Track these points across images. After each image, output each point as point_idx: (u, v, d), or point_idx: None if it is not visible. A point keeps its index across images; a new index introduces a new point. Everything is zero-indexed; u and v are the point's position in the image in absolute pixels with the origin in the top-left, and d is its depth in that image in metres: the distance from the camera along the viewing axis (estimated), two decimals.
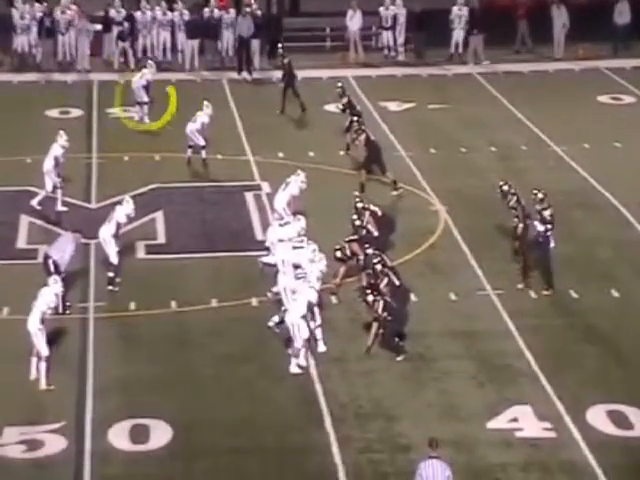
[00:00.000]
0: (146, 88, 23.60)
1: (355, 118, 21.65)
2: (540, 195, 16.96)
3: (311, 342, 15.13)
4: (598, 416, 13.93)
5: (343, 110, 22.70)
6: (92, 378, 14.76)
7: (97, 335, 15.83)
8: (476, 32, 28.40)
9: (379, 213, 17.65)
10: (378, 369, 14.98)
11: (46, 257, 16.27)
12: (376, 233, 17.17)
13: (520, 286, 16.83)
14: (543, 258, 16.74)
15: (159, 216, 19.59)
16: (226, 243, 18.65)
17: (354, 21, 29.01)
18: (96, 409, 14.10)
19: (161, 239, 18.84)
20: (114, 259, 16.92)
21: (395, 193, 20.46)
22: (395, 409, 14.14)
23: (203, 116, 21.44)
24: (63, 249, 16.26)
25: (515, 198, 17.31)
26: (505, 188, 17.61)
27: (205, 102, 21.63)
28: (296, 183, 18.68)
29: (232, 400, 14.34)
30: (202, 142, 21.41)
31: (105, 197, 20.10)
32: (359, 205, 17.53)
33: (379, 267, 15.50)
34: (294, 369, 14.78)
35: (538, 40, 29.26)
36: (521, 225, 17.05)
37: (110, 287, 16.93)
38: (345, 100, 22.77)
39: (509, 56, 28.90)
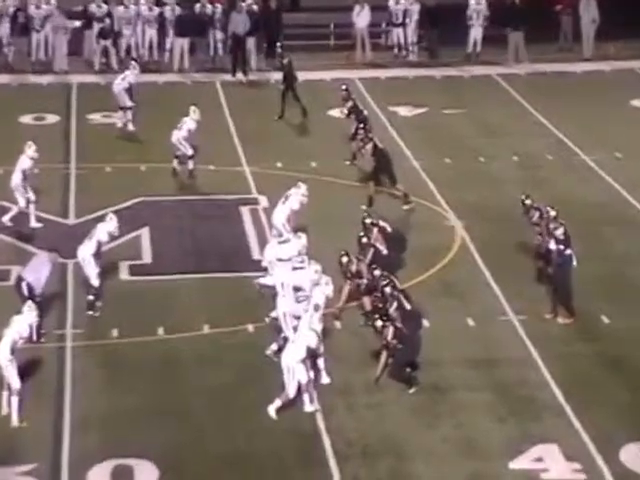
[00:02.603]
0: (129, 91, 23.73)
1: (361, 124, 21.77)
2: (552, 213, 17.05)
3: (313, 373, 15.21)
4: (633, 456, 13.94)
5: (348, 115, 22.83)
6: (70, 413, 14.81)
7: (75, 365, 15.89)
8: (511, 29, 28.43)
9: (388, 229, 17.76)
10: (387, 402, 15.03)
11: (19, 279, 16.36)
12: (385, 251, 17.26)
13: (548, 316, 16.86)
14: (562, 281, 16.76)
15: (145, 233, 19.69)
16: (219, 263, 18.73)
17: (362, 17, 29.18)
18: (74, 448, 14.15)
19: (147, 258, 18.92)
20: (94, 281, 17.01)
21: (406, 207, 20.56)
22: (406, 446, 14.19)
23: (189, 122, 21.58)
24: (38, 270, 16.35)
25: (538, 213, 17.40)
26: (528, 202, 17.70)
27: (192, 107, 21.76)
28: (297, 196, 18.79)
29: (226, 436, 14.39)
30: (190, 151, 21.54)
31: (85, 212, 20.21)
32: (367, 221, 17.64)
33: (388, 290, 15.58)
34: (309, 407, 14.77)
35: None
36: (544, 244, 17.13)
37: (90, 312, 17.01)
38: (350, 104, 22.89)
39: (542, 55, 28.95)
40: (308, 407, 14.80)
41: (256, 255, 18.99)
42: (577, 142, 23.72)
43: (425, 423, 14.63)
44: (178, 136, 21.50)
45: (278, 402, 14.71)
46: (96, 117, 25.27)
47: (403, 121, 25.20)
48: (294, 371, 14.66)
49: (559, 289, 16.79)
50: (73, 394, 15.20)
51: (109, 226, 17.28)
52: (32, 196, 19.50)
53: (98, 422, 14.60)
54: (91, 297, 17.03)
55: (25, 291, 16.15)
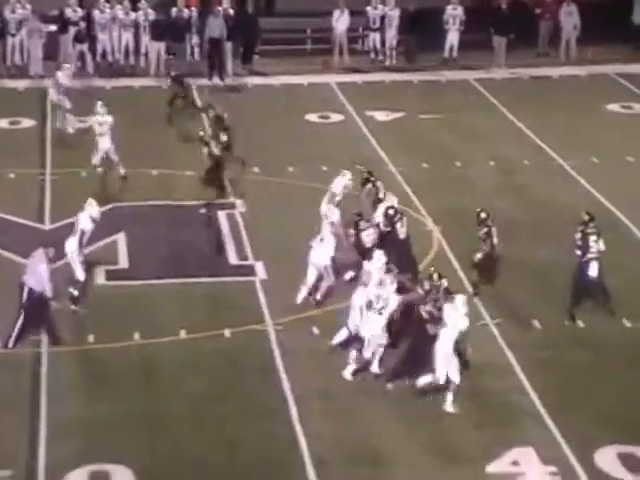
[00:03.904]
0: (65, 93, 23.54)
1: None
2: (586, 217, 17.23)
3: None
4: (608, 459, 14.07)
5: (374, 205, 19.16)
6: (46, 419, 14.79)
7: (51, 371, 15.86)
8: (496, 34, 28.55)
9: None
10: (366, 407, 15.09)
11: (22, 285, 16.21)
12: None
13: (567, 322, 16.97)
14: (574, 285, 16.97)
15: (121, 238, 19.68)
16: (196, 268, 18.75)
17: (341, 22, 29.24)
18: (50, 454, 14.13)
19: (123, 264, 18.92)
20: (80, 274, 16.95)
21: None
22: (385, 452, 14.25)
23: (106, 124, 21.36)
24: (36, 272, 16.13)
25: (485, 230, 17.51)
26: (482, 215, 17.73)
27: (99, 102, 21.63)
28: (342, 182, 18.71)
29: (202, 442, 14.40)
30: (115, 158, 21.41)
31: (60, 217, 20.17)
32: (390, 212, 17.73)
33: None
34: (348, 375, 15.33)
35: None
36: (479, 255, 17.44)
37: (73, 307, 16.96)
38: (369, 186, 19.43)
39: (520, 60, 29.11)
40: (375, 369, 15.34)
41: (233, 260, 19.04)
42: (554, 147, 23.88)
43: (403, 429, 14.70)
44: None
45: (353, 366, 15.18)
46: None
47: (380, 126, 25.29)
48: (375, 338, 15.13)
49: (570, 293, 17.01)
50: (49, 400, 15.18)
51: (90, 211, 17.20)
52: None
53: (74, 428, 14.60)
54: (76, 292, 16.96)
55: (25, 296, 16.02)
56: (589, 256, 16.96)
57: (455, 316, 14.91)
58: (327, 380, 15.65)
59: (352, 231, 17.80)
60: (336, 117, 25.87)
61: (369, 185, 19.03)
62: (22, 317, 16.11)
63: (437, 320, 15.15)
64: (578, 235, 17.13)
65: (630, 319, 17.12)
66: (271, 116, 25.61)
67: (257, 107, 26.40)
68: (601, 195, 21.42)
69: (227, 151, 21.42)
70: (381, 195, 18.67)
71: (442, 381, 14.90)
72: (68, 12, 28.28)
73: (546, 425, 14.75)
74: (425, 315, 15.35)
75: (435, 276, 15.72)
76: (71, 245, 17.19)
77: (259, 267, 18.70)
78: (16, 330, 15.84)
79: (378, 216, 18.05)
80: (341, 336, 15.99)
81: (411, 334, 15.54)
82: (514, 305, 17.41)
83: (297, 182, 22.02)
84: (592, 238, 17.06)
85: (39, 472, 13.85)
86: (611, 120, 25.79)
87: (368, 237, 17.58)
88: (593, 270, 16.93)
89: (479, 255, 17.65)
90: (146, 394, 15.38)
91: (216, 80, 27.92)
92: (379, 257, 16.15)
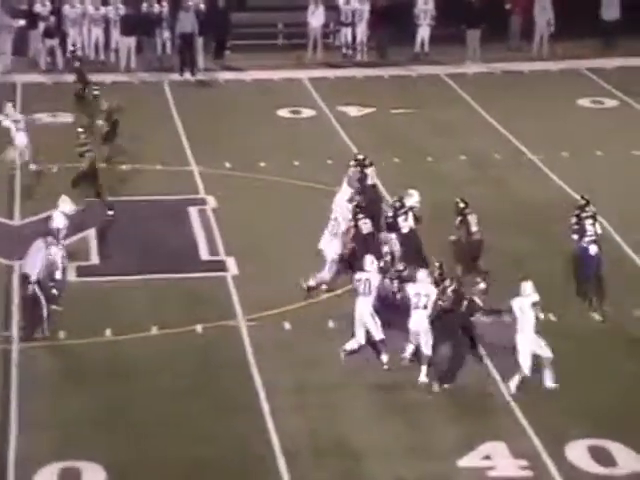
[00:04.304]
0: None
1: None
2: (582, 201, 17.54)
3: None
4: (578, 452, 14.15)
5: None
6: (16, 415, 14.72)
7: (22, 367, 15.78)
8: (468, 27, 28.63)
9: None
10: (338, 401, 15.12)
11: (24, 277, 16.12)
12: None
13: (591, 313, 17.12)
14: (576, 272, 17.28)
15: (92, 234, 19.60)
16: (167, 264, 18.71)
17: (316, 17, 29.20)
18: (20, 450, 14.07)
19: (94, 260, 18.86)
20: (59, 275, 16.91)
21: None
22: (358, 445, 14.27)
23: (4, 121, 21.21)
24: (35, 260, 16.08)
25: (460, 218, 17.80)
26: (461, 206, 17.95)
27: (8, 104, 21.54)
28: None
29: (174, 438, 14.37)
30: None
31: (30, 213, 20.09)
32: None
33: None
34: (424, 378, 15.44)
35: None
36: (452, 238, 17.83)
37: (54, 306, 16.84)
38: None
39: (491, 54, 29.19)
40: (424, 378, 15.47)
41: (204, 255, 19.01)
42: (524, 141, 23.98)
43: (376, 422, 14.74)
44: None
45: (424, 368, 15.31)
46: (42, 117, 25.11)
47: (352, 121, 25.31)
48: (426, 333, 15.37)
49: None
50: (20, 396, 15.11)
51: (63, 208, 17.20)
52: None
53: (45, 424, 14.53)
54: (55, 291, 16.90)
55: (30, 289, 15.99)
56: (587, 239, 17.13)
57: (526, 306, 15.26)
58: (299, 375, 15.66)
59: (351, 222, 17.82)
60: (308, 112, 25.87)
61: (356, 169, 19.12)
62: (44, 306, 16.09)
63: (495, 311, 15.40)
64: (573, 220, 17.39)
65: (600, 312, 17.21)
66: (243, 111, 25.59)
67: (229, 102, 26.38)
68: (571, 189, 21.52)
69: (108, 142, 21.32)
70: (370, 182, 18.94)
71: (529, 372, 15.15)
72: (37, 7, 28.14)
73: (517, 419, 14.81)
74: (480, 305, 15.49)
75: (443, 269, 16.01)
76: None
77: (231, 263, 18.68)
78: (45, 319, 15.93)
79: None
80: (353, 345, 15.98)
81: (449, 333, 15.54)
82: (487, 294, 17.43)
83: (269, 177, 22.02)
84: (588, 222, 17.26)
85: (9, 468, 13.78)
86: (582, 115, 25.93)
87: (365, 225, 17.63)
88: (593, 250, 17.08)
89: (452, 238, 17.77)
90: (118, 390, 15.34)
91: (187, 75, 27.86)
92: (370, 262, 16.13)
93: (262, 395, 15.17)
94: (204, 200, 21.09)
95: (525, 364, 15.18)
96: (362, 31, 29.34)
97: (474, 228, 17.93)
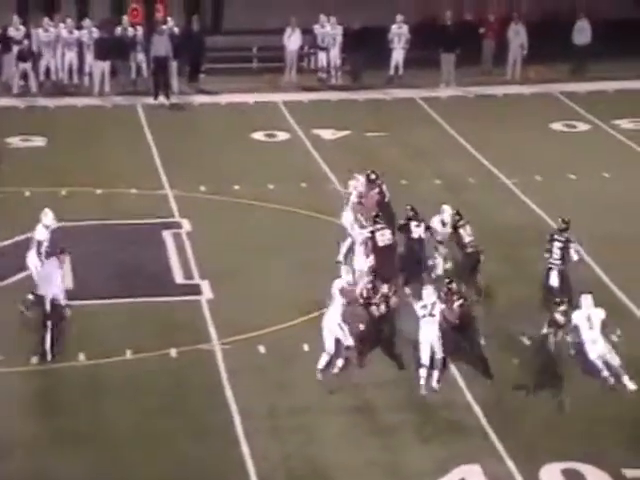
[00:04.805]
0: None
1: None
2: (562, 225, 17.87)
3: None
4: (553, 475, 14.21)
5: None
6: None
7: None
8: (443, 51, 28.87)
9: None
10: (313, 424, 15.15)
11: (38, 298, 16.22)
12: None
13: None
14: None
15: (65, 259, 19.54)
16: (142, 287, 18.70)
17: (292, 40, 29.34)
18: None
19: (68, 283, 18.82)
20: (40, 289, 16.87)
21: None
22: (332, 469, 14.31)
23: None
24: (51, 280, 16.18)
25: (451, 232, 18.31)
26: (456, 218, 18.41)
27: None
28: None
29: (149, 462, 14.35)
30: None
31: (3, 237, 20.03)
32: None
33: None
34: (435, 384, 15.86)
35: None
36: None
37: (22, 308, 16.96)
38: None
39: (464, 78, 29.42)
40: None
41: (179, 279, 19.02)
42: (498, 165, 24.15)
43: (350, 445, 14.77)
44: None
45: (437, 373, 15.73)
46: (15, 140, 25.10)
47: (326, 144, 25.43)
48: (438, 345, 15.73)
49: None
50: None
51: (45, 220, 17.33)
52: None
53: (19, 448, 14.48)
54: (30, 296, 16.99)
55: (48, 307, 16.05)
56: (548, 264, 17.34)
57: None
58: (273, 399, 15.68)
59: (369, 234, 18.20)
60: (282, 135, 25.98)
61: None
62: (50, 328, 16.18)
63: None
64: (547, 238, 17.50)
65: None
66: (217, 134, 25.66)
67: (203, 125, 26.47)
68: (544, 212, 21.69)
69: None
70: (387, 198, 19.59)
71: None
72: (11, 31, 28.11)
73: (492, 441, 14.88)
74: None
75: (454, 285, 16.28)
76: (32, 258, 17.32)
77: (205, 286, 18.71)
78: (48, 342, 16.03)
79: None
80: (325, 359, 16.15)
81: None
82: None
83: (243, 200, 22.08)
84: (556, 245, 17.35)
85: None
86: (554, 138, 26.15)
87: (382, 237, 18.07)
88: (553, 280, 17.39)
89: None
90: (91, 414, 15.31)
91: (162, 99, 27.91)
92: (346, 272, 16.65)
93: (236, 419, 15.19)
94: (179, 224, 21.12)
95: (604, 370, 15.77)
96: (335, 55, 29.52)
97: (467, 239, 18.02)
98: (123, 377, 16.17)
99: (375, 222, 18.38)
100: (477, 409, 15.52)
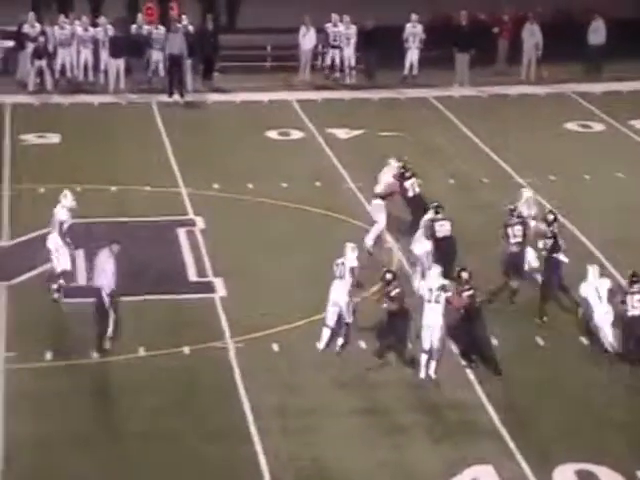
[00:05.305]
0: None
1: None
2: (550, 217, 18.12)
3: None
4: (566, 477, 14.13)
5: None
6: (2, 435, 14.63)
7: (8, 389, 15.70)
8: (458, 51, 28.77)
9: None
10: (324, 424, 15.09)
11: (97, 290, 16.27)
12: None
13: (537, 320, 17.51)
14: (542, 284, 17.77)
15: (80, 255, 19.56)
16: (155, 285, 18.68)
17: (307, 39, 29.29)
18: (7, 472, 13.97)
19: (82, 281, 18.81)
20: (66, 264, 17.32)
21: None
22: (343, 469, 14.24)
23: None
24: (105, 270, 16.32)
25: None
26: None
27: None
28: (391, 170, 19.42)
29: (161, 460, 14.28)
30: None
31: (18, 234, 20.05)
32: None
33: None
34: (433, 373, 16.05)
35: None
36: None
37: (55, 296, 17.31)
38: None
39: (478, 77, 29.32)
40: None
41: (192, 277, 18.99)
42: (512, 164, 24.05)
43: (361, 445, 14.70)
44: None
45: (434, 364, 15.88)
46: (30, 138, 25.12)
47: (340, 143, 25.37)
48: (438, 335, 15.89)
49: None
50: (7, 417, 15.01)
51: (64, 202, 17.58)
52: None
53: (30, 445, 14.44)
54: (55, 285, 17.31)
55: (107, 301, 16.18)
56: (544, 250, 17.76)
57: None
58: (286, 397, 15.63)
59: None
60: (296, 134, 25.94)
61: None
62: (111, 317, 16.30)
63: None
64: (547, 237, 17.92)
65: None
66: (231, 132, 25.63)
67: (217, 123, 26.45)
68: (558, 212, 21.55)
69: None
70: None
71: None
72: (26, 28, 28.14)
73: (505, 442, 14.80)
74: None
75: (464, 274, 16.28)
76: (54, 240, 17.50)
77: (219, 284, 18.67)
78: (110, 331, 16.15)
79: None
80: (325, 334, 16.49)
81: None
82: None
83: (257, 199, 22.04)
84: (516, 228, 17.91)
85: None
86: (569, 138, 26.04)
87: (442, 227, 18.20)
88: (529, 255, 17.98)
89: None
90: (104, 412, 15.30)
91: (176, 97, 27.90)
92: (351, 248, 16.85)
93: (249, 417, 15.14)
94: (192, 221, 21.09)
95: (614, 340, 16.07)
96: (349, 54, 29.45)
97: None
98: (136, 375, 16.13)
99: (437, 212, 18.44)
100: (490, 409, 15.44)
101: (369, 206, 20.01)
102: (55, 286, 17.59)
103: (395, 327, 16.31)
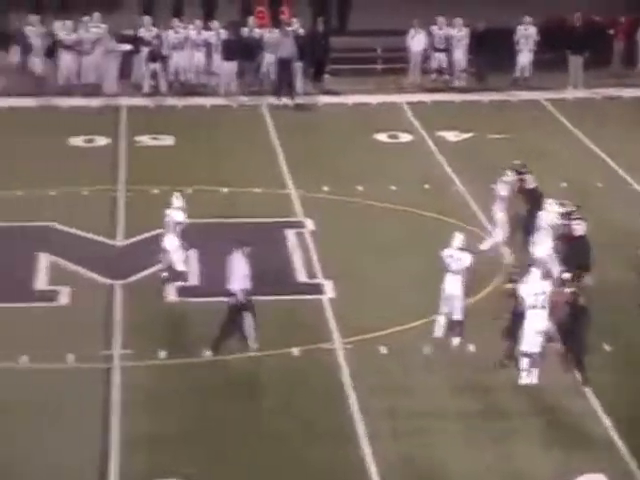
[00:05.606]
0: None
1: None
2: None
3: None
4: None
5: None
6: (117, 433, 14.89)
7: (124, 385, 15.96)
8: (572, 53, 28.43)
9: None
10: (434, 428, 15.03)
11: (233, 293, 16.56)
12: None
13: None
14: None
15: (192, 255, 19.83)
16: (264, 285, 18.77)
17: (416, 41, 29.21)
18: (122, 467, 14.19)
19: (194, 281, 19.06)
20: (180, 266, 17.84)
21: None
22: (451, 473, 14.16)
23: None
24: (236, 272, 16.64)
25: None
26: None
27: None
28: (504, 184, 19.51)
29: (269, 462, 14.34)
30: None
31: (132, 234, 20.40)
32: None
33: None
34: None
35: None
36: None
37: (165, 274, 17.82)
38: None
39: (593, 80, 28.88)
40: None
41: (301, 278, 19.09)
42: (629, 170, 23.58)
43: (470, 450, 14.60)
44: None
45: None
46: (144, 139, 25.57)
47: (450, 146, 25.24)
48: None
49: None
50: (123, 414, 15.25)
51: (177, 203, 18.10)
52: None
53: (144, 443, 14.66)
54: (165, 274, 17.89)
55: (242, 300, 16.52)
56: None
57: None
58: (395, 400, 15.60)
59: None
60: (405, 137, 25.88)
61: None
62: (252, 317, 16.62)
63: None
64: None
65: None
66: (341, 135, 25.69)
67: (327, 126, 26.54)
68: None
69: None
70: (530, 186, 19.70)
71: None
72: (142, 31, 28.65)
73: (617, 449, 14.54)
74: None
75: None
76: (171, 242, 17.98)
77: (328, 286, 18.73)
78: (252, 330, 16.50)
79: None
80: (440, 324, 16.68)
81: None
82: None
83: (366, 201, 22.05)
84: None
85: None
86: None
87: (578, 227, 17.99)
88: None
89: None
90: (213, 411, 15.45)
91: (286, 99, 28.08)
92: (459, 239, 16.91)
93: (358, 419, 15.14)
94: (302, 223, 21.20)
95: None
96: (460, 57, 29.24)
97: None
98: (244, 375, 16.28)
99: (572, 212, 18.31)
100: (604, 417, 15.18)
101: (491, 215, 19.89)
102: (171, 285, 17.86)
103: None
